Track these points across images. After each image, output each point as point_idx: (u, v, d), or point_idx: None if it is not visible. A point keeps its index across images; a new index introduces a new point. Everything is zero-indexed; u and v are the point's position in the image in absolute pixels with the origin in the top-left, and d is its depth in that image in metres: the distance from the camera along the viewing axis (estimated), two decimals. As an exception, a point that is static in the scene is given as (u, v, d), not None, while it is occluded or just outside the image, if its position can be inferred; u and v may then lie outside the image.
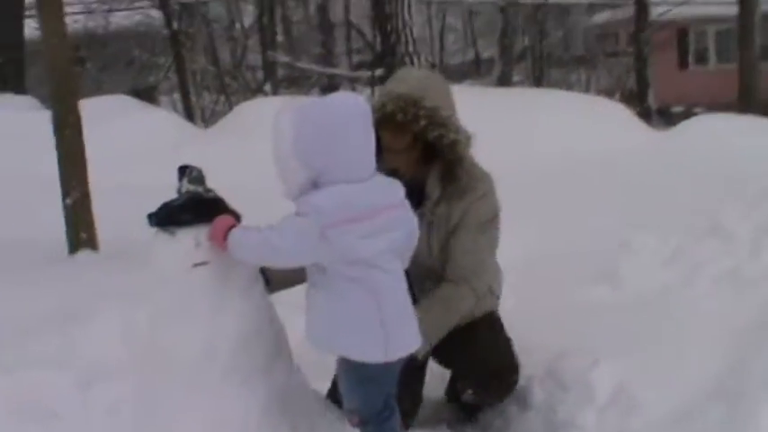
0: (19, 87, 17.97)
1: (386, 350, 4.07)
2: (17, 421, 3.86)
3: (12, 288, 4.60)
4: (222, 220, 4.06)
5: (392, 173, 4.60)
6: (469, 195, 4.87)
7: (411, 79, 4.96)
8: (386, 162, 4.64)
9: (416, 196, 4.68)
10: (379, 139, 4.25)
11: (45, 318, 4.19)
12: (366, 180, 3.98)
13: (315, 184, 3.91)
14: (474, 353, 4.93)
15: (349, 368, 4.15)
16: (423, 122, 4.68)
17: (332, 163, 3.90)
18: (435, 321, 4.83)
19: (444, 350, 4.89)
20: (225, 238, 4.00)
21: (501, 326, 5.14)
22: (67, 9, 5.98)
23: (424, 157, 4.85)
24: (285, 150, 3.89)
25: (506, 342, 5.06)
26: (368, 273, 3.99)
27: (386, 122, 4.65)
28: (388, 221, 4.04)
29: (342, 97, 4.25)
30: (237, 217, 4.20)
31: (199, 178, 4.23)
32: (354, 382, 4.19)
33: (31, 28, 19.22)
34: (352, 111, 3.98)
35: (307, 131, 3.87)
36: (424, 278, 4.55)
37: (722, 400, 3.99)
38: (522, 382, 5.04)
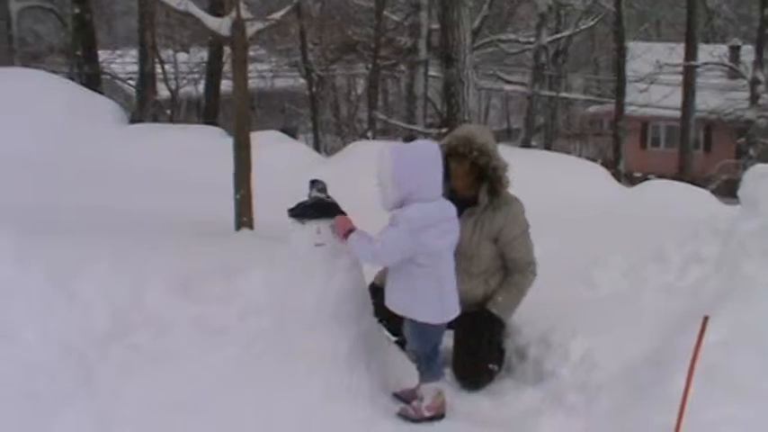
0: (214, 122, 18.33)
1: (441, 315, 4.23)
2: (198, 334, 3.96)
3: (198, 250, 4.65)
4: (344, 221, 4.16)
5: (452, 190, 4.81)
6: (507, 209, 4.96)
7: (467, 127, 5.23)
8: (453, 181, 4.86)
9: (469, 203, 4.89)
10: (447, 167, 4.49)
11: (218, 270, 4.24)
12: (435, 200, 4.08)
13: (403, 201, 3.99)
14: (457, 353, 4.91)
15: (415, 325, 4.24)
16: (475, 153, 4.79)
17: (416, 187, 4.00)
18: (513, 303, 5.00)
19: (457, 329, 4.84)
20: (345, 236, 4.08)
21: (492, 332, 4.94)
22: (248, 74, 6.05)
23: (477, 179, 4.90)
24: (387, 177, 3.98)
25: (485, 352, 4.86)
26: (434, 261, 4.10)
27: (452, 153, 4.81)
28: (448, 227, 4.17)
29: (424, 143, 4.32)
30: (345, 216, 4.27)
31: (323, 188, 4.30)
32: (417, 333, 4.27)
33: (223, 85, 19.66)
34: (431, 153, 4.11)
35: (403, 165, 3.98)
36: (461, 258, 4.57)
37: (653, 365, 3.97)
38: (522, 342, 5.01)
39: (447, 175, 4.67)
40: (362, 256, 4.17)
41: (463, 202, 4.83)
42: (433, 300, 4.16)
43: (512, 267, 5.01)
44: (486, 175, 4.86)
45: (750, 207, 5.06)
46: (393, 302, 4.25)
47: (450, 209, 4.20)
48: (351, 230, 4.10)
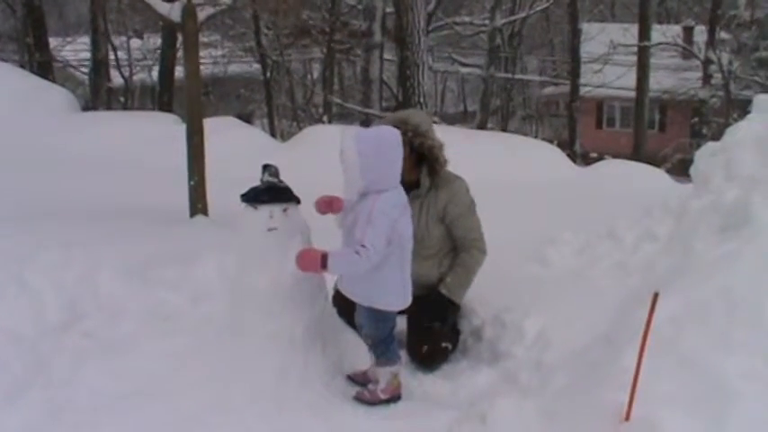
0: (168, 109, 18.19)
1: (404, 302, 4.26)
2: (151, 320, 3.94)
3: (150, 237, 4.63)
4: (311, 253, 4.03)
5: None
6: (450, 187, 4.94)
7: (403, 112, 5.13)
8: None
9: (413, 187, 4.83)
10: None
11: (171, 256, 4.22)
12: (397, 187, 4.09)
13: (366, 189, 3.99)
14: (411, 334, 4.91)
15: (374, 312, 4.24)
16: (410, 134, 4.71)
17: (380, 176, 4.00)
18: (462, 283, 4.96)
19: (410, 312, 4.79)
20: (323, 266, 3.97)
21: (445, 312, 4.94)
22: (201, 60, 6.02)
23: (417, 163, 4.87)
24: (353, 168, 3.95)
25: (438, 332, 4.87)
26: (401, 249, 4.13)
27: None
28: (408, 213, 4.19)
29: (386, 130, 4.19)
30: (298, 200, 4.25)
31: (275, 173, 4.26)
32: (375, 320, 4.27)
33: (177, 72, 19.47)
34: (393, 140, 4.07)
35: (367, 155, 3.94)
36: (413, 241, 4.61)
37: (606, 342, 4.00)
38: (477, 323, 5.04)
39: None
40: (358, 270, 4.02)
41: (407, 185, 4.84)
42: (398, 288, 4.19)
43: (459, 246, 5.01)
44: (424, 157, 4.86)
45: (701, 185, 5.13)
46: (356, 292, 4.23)
47: (404, 194, 4.20)
48: (323, 257, 3.96)
